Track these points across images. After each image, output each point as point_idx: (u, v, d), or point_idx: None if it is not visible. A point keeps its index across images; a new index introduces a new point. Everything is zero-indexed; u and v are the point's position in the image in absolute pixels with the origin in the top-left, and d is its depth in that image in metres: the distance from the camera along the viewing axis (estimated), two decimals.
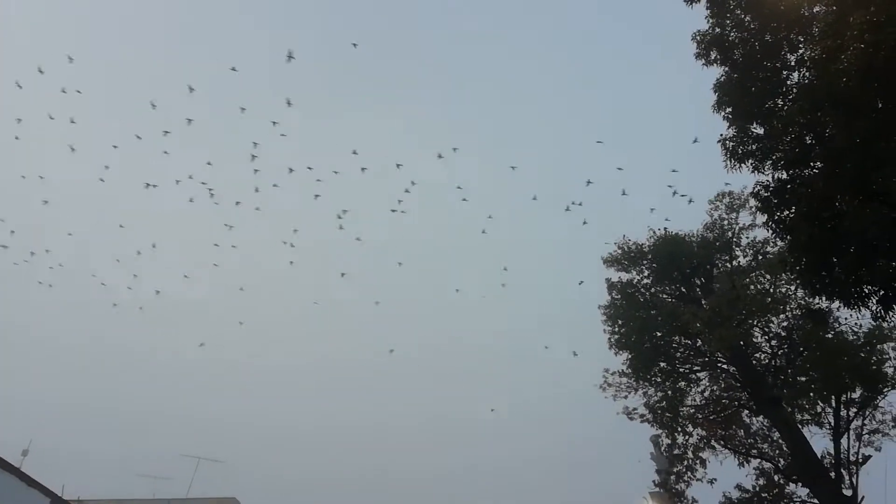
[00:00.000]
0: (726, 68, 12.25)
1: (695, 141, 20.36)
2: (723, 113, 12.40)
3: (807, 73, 11.01)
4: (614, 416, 20.58)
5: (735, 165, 12.10)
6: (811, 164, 10.82)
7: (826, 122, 9.96)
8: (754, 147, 11.79)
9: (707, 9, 12.27)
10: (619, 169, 24.94)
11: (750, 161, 11.86)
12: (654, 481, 19.99)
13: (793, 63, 11.45)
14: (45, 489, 14.70)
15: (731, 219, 20.59)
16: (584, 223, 24.56)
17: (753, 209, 19.28)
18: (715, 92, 12.46)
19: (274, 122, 24.83)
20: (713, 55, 12.29)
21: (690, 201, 21.76)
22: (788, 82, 11.54)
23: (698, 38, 12.45)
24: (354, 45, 25.41)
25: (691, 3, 12.45)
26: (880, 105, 9.35)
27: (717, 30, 12.18)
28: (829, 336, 17.15)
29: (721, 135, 12.27)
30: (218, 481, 32.79)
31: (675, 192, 22.05)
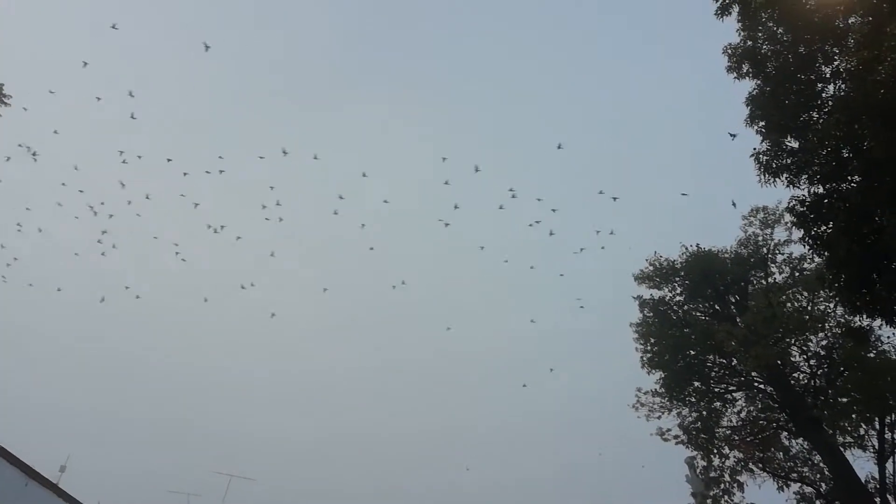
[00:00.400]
0: (759, 81, 12.07)
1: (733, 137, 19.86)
2: (756, 127, 12.20)
3: (842, 85, 10.79)
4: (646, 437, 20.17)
5: (769, 180, 11.86)
6: (848, 177, 10.54)
7: (863, 135, 9.70)
8: (789, 161, 11.55)
9: (738, 21, 12.11)
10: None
11: (785, 175, 11.61)
12: None
13: (828, 75, 11.22)
14: None
15: (766, 234, 20.16)
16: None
17: (789, 224, 18.86)
18: (747, 105, 12.28)
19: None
20: (745, 68, 12.13)
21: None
22: (824, 95, 11.30)
23: (730, 51, 12.30)
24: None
25: (721, 16, 12.30)
26: None
27: (749, 43, 12.02)
28: (871, 355, 16.59)
29: (754, 149, 12.06)
30: (249, 499, 32.85)
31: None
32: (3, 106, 13.33)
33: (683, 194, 20.76)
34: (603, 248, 26.48)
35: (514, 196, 23.70)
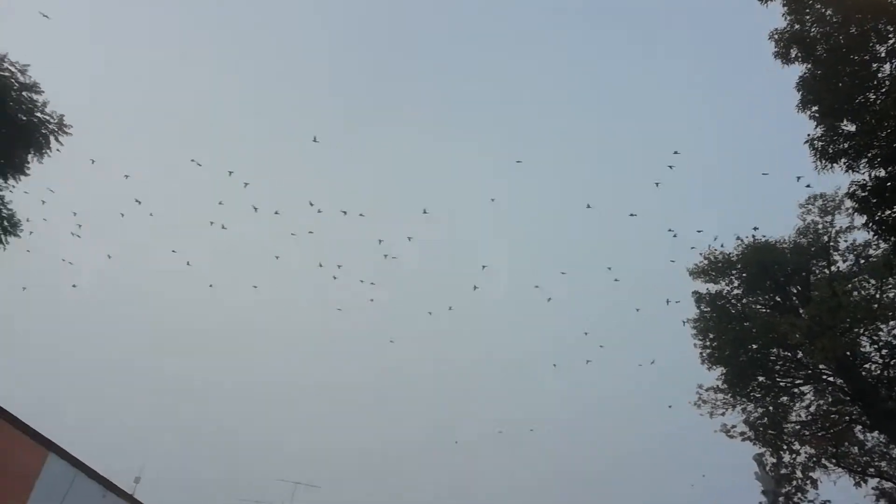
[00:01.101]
0: (809, 65, 11.72)
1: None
2: (808, 112, 11.86)
3: None
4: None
5: (826, 166, 11.50)
6: None
7: None
8: (846, 145, 11.17)
9: (784, 6, 11.80)
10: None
11: (843, 160, 11.24)
12: (760, 502, 18.86)
13: (883, 54, 10.83)
14: None
15: (826, 222, 19.41)
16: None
17: (851, 211, 18.14)
18: (798, 90, 11.95)
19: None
20: (793, 53, 11.80)
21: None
22: (879, 75, 10.91)
23: (776, 36, 11.99)
24: None
25: (766, 2, 12.00)
26: None
27: (797, 26, 11.69)
28: None
29: (808, 135, 11.72)
30: None
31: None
32: (65, 135, 13.98)
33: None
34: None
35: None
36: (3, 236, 13.35)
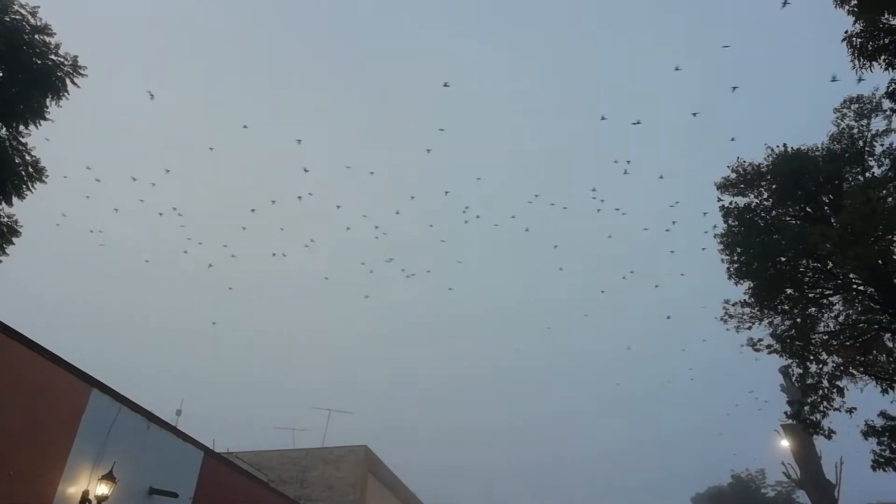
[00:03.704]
0: None
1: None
2: (846, 7, 11.11)
3: None
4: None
5: (865, 64, 10.89)
6: None
7: None
8: (887, 41, 10.51)
9: None
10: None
11: (883, 57, 10.61)
12: (785, 413, 19.07)
13: None
14: (198, 443, 16.16)
15: (862, 126, 18.59)
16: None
17: (889, 112, 17.34)
18: None
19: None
20: None
21: None
22: None
23: None
24: None
25: None
26: None
27: None
28: None
29: (846, 31, 11.03)
30: (348, 432, 34.89)
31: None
32: (80, 77, 13.76)
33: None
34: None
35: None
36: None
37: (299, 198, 36.09)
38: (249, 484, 19.20)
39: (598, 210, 37.04)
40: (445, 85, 35.66)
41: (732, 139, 26.73)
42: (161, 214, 38.14)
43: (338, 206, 40.18)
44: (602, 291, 63.66)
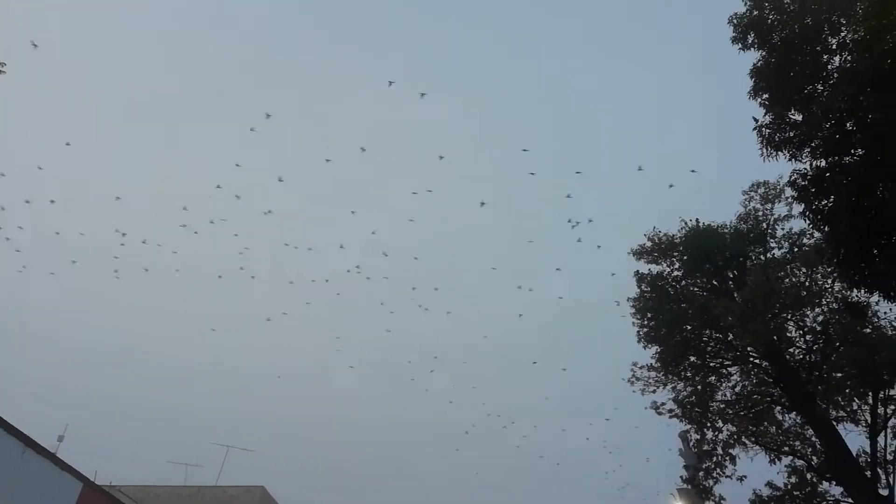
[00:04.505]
0: (764, 52, 11.89)
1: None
2: (759, 99, 12.06)
3: (848, 56, 10.62)
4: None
5: (771, 153, 11.75)
6: (852, 150, 10.44)
7: (868, 107, 9.57)
8: (792, 134, 11.43)
9: None
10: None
11: (787, 149, 11.50)
12: (681, 477, 19.65)
13: (834, 46, 11.04)
14: (77, 473, 14.99)
15: (767, 209, 20.07)
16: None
17: (790, 199, 18.77)
18: (752, 77, 12.12)
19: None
20: (750, 38, 11.95)
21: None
22: (829, 66, 11.14)
23: (735, 20, 12.11)
24: None
25: None
26: None
27: (756, 12, 11.81)
28: (868, 331, 16.64)
29: (757, 121, 11.93)
30: (247, 470, 33.29)
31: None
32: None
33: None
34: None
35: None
36: None
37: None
38: None
39: None
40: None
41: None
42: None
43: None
44: None
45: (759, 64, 11.98)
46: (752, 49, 12.05)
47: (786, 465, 18.22)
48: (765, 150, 11.85)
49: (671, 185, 21.30)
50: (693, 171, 21.37)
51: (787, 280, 17.99)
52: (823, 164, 10.90)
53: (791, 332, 18.52)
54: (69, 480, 14.57)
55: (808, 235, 18.92)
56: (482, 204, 32.98)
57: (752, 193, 20.24)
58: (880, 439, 16.48)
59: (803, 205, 11.33)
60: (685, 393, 19.39)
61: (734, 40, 12.28)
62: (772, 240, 20.19)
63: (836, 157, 10.66)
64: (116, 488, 22.86)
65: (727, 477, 18.27)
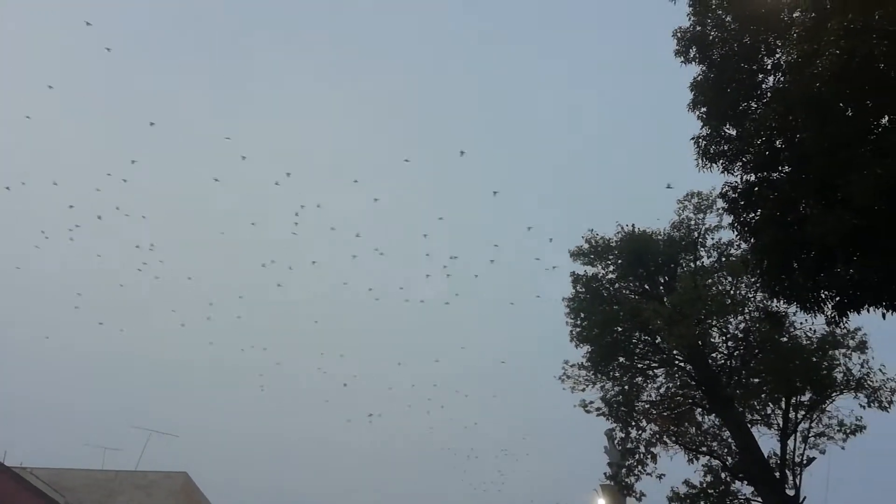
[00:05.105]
0: (704, 67, 12.27)
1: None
2: (697, 112, 12.45)
3: (782, 77, 11.11)
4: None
5: (706, 165, 12.19)
6: (780, 167, 10.93)
7: (797, 126, 10.05)
8: (726, 148, 11.88)
9: (689, 6, 12.24)
10: None
11: (721, 161, 11.95)
12: (605, 474, 20.26)
13: (769, 67, 11.53)
14: None
15: (699, 219, 20.82)
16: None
17: (721, 210, 19.50)
18: (691, 90, 12.47)
19: None
20: (692, 53, 12.29)
21: None
22: (763, 86, 11.62)
23: (679, 34, 12.44)
24: None
25: (674, 0, 12.42)
26: (850, 112, 9.48)
27: (698, 28, 12.17)
28: (784, 339, 17.53)
29: (695, 134, 12.35)
30: (169, 457, 32.20)
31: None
32: None
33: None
34: None
35: None
36: None
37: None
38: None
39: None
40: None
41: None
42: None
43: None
44: None
45: (698, 78, 12.38)
46: (694, 63, 12.43)
47: (703, 465, 19.04)
48: (700, 161, 12.28)
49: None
50: (669, 186, 21.39)
51: (713, 288, 18.74)
52: (753, 178, 11.38)
53: (714, 338, 19.32)
54: None
55: (736, 246, 19.66)
56: None
57: (686, 203, 20.95)
58: (790, 442, 17.42)
59: (732, 216, 11.82)
60: (613, 392, 19.93)
61: (677, 53, 12.62)
62: (702, 248, 20.97)
63: (765, 173, 11.14)
64: (28, 470, 21.69)
65: (648, 475, 18.95)
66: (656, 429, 19.39)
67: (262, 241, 40.77)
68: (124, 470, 28.51)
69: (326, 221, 34.48)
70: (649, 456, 19.08)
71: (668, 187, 21.40)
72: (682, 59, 12.55)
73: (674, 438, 19.23)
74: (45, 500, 17.69)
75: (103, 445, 29.91)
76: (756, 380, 18.37)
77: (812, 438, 18.15)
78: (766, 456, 17.65)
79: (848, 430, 17.94)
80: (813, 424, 18.15)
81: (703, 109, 12.25)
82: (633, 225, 21.42)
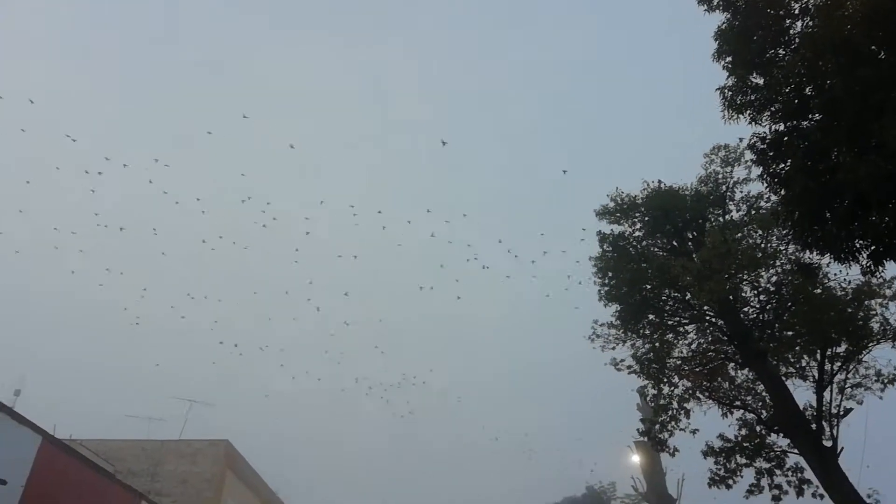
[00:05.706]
0: (728, 15, 11.92)
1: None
2: (722, 62, 12.15)
3: (810, 22, 10.73)
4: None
5: (733, 116, 11.93)
6: (809, 115, 10.64)
7: (827, 72, 9.73)
8: (753, 97, 11.59)
9: None
10: None
11: (748, 112, 11.67)
12: (638, 430, 20.38)
13: (796, 11, 11.13)
14: (36, 427, 14.76)
15: (727, 172, 20.40)
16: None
17: (749, 163, 19.09)
18: (716, 40, 12.18)
19: None
20: (715, 1, 11.94)
21: None
22: (791, 31, 11.25)
23: None
24: None
25: None
26: (882, 54, 9.14)
27: None
28: (818, 291, 17.23)
29: (720, 85, 12.06)
30: (210, 426, 33.25)
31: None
32: None
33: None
34: None
35: None
36: None
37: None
38: (92, 474, 17.77)
39: None
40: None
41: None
42: None
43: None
44: None
45: (723, 26, 12.03)
46: (718, 11, 12.07)
47: (737, 419, 19.02)
48: (727, 113, 12.02)
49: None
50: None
51: (743, 241, 18.44)
52: (782, 127, 11.10)
53: (746, 292, 19.07)
54: (28, 434, 14.35)
55: (765, 199, 19.31)
56: None
57: (713, 156, 20.53)
58: (826, 394, 17.25)
59: (761, 168, 11.58)
60: (643, 350, 19.90)
61: (700, 1, 12.27)
62: (730, 202, 20.60)
63: (795, 122, 10.86)
64: (77, 442, 22.62)
65: (681, 430, 18.98)
66: (689, 384, 19.35)
67: None
68: (169, 440, 29.57)
69: None
70: (682, 411, 19.09)
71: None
72: (706, 7, 12.19)
73: (707, 393, 19.18)
74: (96, 469, 18.42)
75: (146, 416, 31.00)
76: (789, 333, 18.10)
77: (849, 389, 17.94)
78: (802, 408, 17.53)
79: (886, 380, 17.73)
80: (849, 375, 17.92)
81: (729, 59, 11.95)
82: (659, 181, 21.11)
